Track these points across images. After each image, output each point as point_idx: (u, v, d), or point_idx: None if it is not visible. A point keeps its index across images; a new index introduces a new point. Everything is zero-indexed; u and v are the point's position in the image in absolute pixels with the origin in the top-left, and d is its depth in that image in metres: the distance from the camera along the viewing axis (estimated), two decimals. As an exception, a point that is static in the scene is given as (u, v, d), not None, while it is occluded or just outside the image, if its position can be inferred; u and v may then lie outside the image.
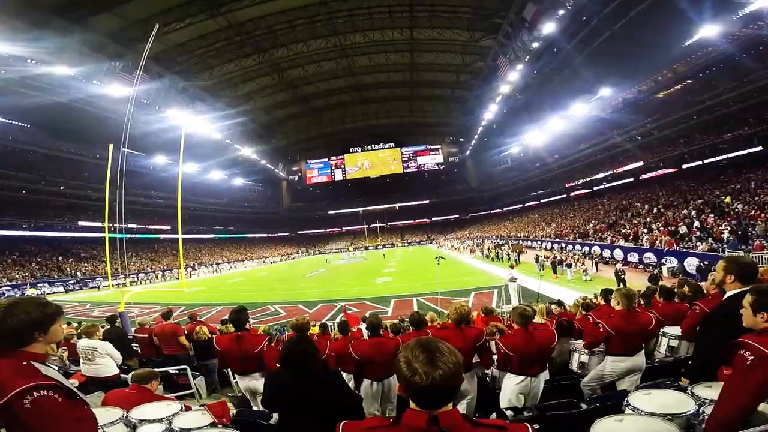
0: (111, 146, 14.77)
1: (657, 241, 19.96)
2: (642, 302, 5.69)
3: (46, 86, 25.49)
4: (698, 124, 30.56)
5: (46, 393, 1.44)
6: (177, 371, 5.62)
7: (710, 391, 2.16)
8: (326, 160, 76.18)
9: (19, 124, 37.18)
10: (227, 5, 25.43)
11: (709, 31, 22.33)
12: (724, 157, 28.06)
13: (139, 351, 7.05)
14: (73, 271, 34.66)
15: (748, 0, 20.01)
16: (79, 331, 6.49)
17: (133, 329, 8.80)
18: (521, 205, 58.76)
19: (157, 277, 38.72)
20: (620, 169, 39.13)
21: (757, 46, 24.89)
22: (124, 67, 25.93)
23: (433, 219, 76.00)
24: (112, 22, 23.71)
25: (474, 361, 3.69)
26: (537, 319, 4.49)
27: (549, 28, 25.33)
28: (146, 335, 6.98)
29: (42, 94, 26.54)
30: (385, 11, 30.74)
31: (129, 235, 41.67)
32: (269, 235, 72.72)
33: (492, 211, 67.59)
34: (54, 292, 30.03)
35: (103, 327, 5.10)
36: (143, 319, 7.83)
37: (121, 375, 4.96)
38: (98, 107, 30.14)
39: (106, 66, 25.35)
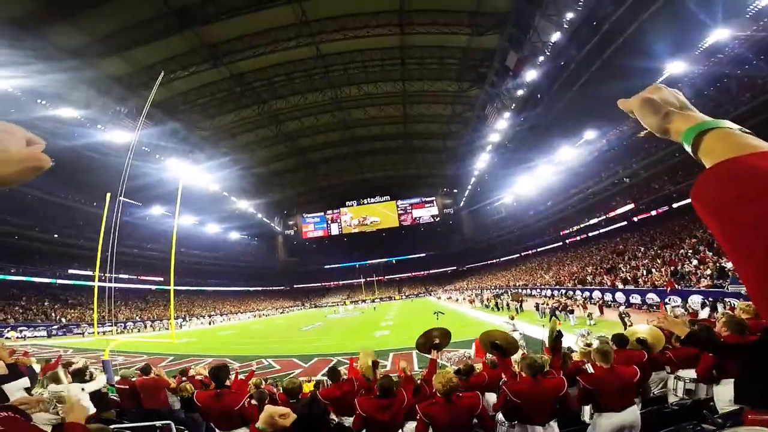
0: (108, 195, 15.04)
1: (657, 282, 19.96)
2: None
3: (52, 129, 26.13)
4: (681, 161, 31.46)
5: (8, 414, 1.56)
6: (161, 425, 5.31)
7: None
8: (322, 214, 76.96)
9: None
10: (229, 56, 27.18)
11: (677, 67, 23.84)
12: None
13: (119, 401, 6.64)
14: (58, 317, 33.34)
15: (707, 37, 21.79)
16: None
17: (116, 378, 8.31)
18: (518, 255, 58.50)
19: (145, 327, 37.28)
20: (612, 213, 39.58)
21: (721, 78, 26.44)
22: (128, 113, 27.07)
23: (430, 271, 75.26)
24: (118, 66, 24.94)
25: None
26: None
27: (531, 75, 27.01)
28: (127, 387, 6.62)
29: (48, 137, 27.14)
30: (378, 64, 32.65)
31: (120, 285, 40.84)
32: (265, 288, 71.28)
33: (489, 262, 67.08)
34: (35, 336, 28.64)
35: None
36: (125, 372, 7.46)
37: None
38: (100, 153, 30.95)
39: (111, 110, 26.46)
